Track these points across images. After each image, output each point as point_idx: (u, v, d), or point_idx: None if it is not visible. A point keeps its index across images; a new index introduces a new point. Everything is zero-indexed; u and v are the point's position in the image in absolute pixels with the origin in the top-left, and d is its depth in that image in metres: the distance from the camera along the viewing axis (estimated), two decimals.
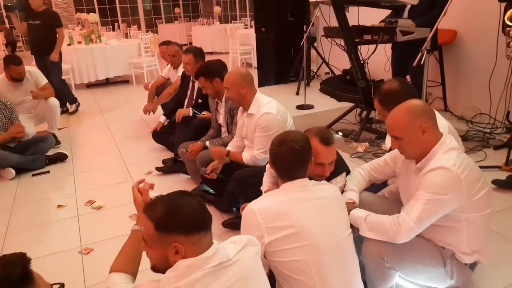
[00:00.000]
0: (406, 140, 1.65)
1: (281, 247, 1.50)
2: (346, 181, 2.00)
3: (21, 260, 1.11)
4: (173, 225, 1.16)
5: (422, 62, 2.99)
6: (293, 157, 1.59)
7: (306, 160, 1.63)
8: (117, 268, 1.37)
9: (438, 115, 1.95)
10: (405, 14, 3.88)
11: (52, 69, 5.23)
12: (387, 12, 4.12)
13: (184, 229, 1.17)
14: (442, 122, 2.00)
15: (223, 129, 3.06)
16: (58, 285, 1.21)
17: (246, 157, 2.55)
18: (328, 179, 1.91)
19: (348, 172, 2.06)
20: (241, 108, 2.68)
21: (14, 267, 1.08)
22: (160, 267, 1.23)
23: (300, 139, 1.62)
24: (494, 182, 2.82)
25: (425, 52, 2.98)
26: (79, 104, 5.83)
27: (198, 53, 3.59)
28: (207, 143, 2.92)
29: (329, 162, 1.82)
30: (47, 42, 5.20)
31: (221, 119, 3.04)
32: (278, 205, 1.55)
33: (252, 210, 1.55)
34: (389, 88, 2.10)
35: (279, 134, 1.71)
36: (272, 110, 2.46)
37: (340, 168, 2.00)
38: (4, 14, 11.89)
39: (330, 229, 1.56)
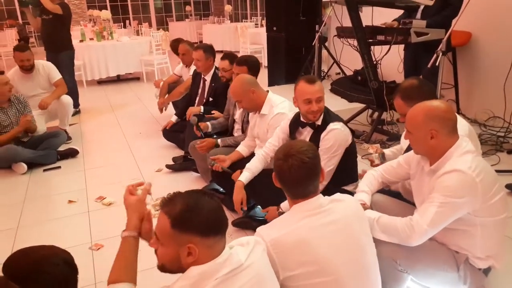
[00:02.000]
0: (414, 137, 1.68)
1: (299, 283, 1.36)
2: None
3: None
4: (191, 224, 1.13)
5: (437, 64, 2.96)
6: (303, 170, 1.41)
7: (318, 172, 1.45)
8: (115, 278, 1.31)
9: (458, 117, 1.94)
10: (418, 14, 3.84)
11: (64, 67, 5.19)
12: (401, 12, 4.07)
13: (201, 229, 1.13)
14: (462, 124, 2.00)
15: (237, 126, 3.05)
16: None
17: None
18: (321, 128, 2.15)
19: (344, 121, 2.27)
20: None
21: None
22: (169, 267, 1.19)
23: (308, 150, 1.43)
24: (508, 186, 2.77)
25: (440, 53, 2.94)
26: (79, 110, 5.62)
27: (208, 49, 3.60)
28: (219, 140, 2.91)
29: (315, 98, 2.09)
30: (59, 37, 5.16)
31: (238, 114, 3.02)
32: (293, 236, 1.37)
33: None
34: (410, 85, 2.10)
35: (281, 146, 1.55)
36: (285, 110, 2.45)
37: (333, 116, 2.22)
38: (18, 10, 12.02)
39: (353, 256, 1.42)
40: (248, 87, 2.50)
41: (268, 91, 2.62)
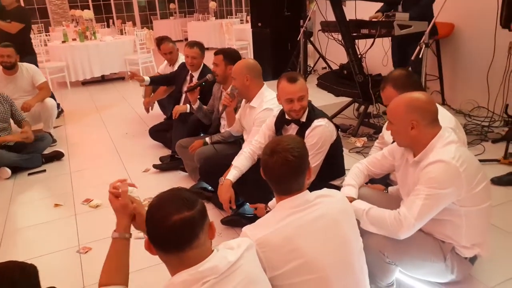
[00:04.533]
0: (396, 127, 1.70)
1: (286, 281, 1.34)
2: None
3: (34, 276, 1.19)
4: (152, 240, 1.14)
5: (420, 56, 2.98)
6: (287, 168, 1.39)
7: (302, 170, 1.42)
8: (106, 280, 1.29)
9: (443, 110, 1.96)
10: (400, 7, 3.87)
11: None
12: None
13: (159, 248, 1.13)
14: (448, 116, 2.03)
15: (223, 122, 3.03)
16: None
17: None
18: (306, 125, 2.13)
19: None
20: (244, 99, 2.67)
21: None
22: None
23: (294, 148, 1.40)
24: (494, 181, 2.75)
25: (423, 46, 2.96)
26: (62, 110, 5.47)
27: (203, 47, 3.60)
28: (206, 139, 2.90)
29: (296, 97, 2.08)
30: (19, 42, 4.74)
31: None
32: (279, 234, 1.35)
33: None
34: (399, 73, 2.14)
35: (271, 140, 1.53)
36: (273, 106, 2.44)
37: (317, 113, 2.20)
38: None
39: (339, 252, 1.40)
40: (245, 72, 2.51)
41: (262, 85, 2.61)
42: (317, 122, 2.14)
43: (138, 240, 2.11)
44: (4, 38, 4.86)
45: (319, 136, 2.13)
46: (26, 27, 4.99)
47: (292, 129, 2.24)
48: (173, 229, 1.08)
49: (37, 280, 1.22)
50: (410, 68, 3.84)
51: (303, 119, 2.18)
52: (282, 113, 2.29)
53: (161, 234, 1.11)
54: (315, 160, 2.14)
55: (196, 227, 1.11)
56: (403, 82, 2.07)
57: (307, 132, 2.15)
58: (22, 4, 12.46)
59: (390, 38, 4.17)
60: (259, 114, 2.48)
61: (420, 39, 3.25)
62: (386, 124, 2.49)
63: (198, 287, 1.08)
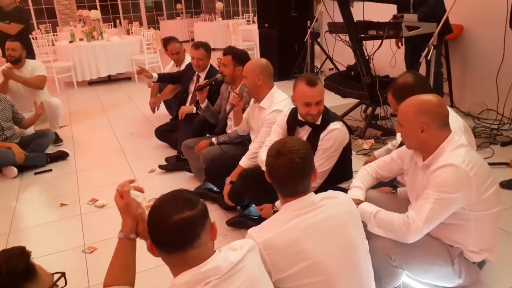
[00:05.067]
0: (405, 130, 1.68)
1: (291, 284, 1.33)
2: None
3: (23, 254, 1.12)
4: (154, 241, 1.14)
5: (428, 58, 2.95)
6: (292, 170, 1.38)
7: (308, 172, 1.41)
8: (111, 281, 1.29)
9: (453, 114, 1.92)
10: (411, 9, 3.85)
11: None
12: (393, 6, 4.07)
13: (161, 249, 1.13)
14: (456, 121, 1.98)
15: (230, 122, 3.02)
16: (59, 274, 1.21)
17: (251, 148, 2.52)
18: (320, 128, 2.12)
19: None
20: (253, 99, 2.65)
21: (17, 261, 1.09)
22: None
23: (299, 149, 1.39)
24: (503, 185, 2.70)
25: (432, 47, 2.94)
26: None
27: (209, 48, 3.59)
28: (213, 139, 2.89)
29: (315, 102, 2.06)
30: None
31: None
32: (284, 236, 1.34)
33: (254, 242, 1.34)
34: (403, 83, 2.07)
35: (275, 142, 1.51)
36: (284, 108, 2.42)
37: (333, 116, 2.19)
38: None
39: (345, 254, 1.39)
40: (257, 71, 2.49)
41: (273, 85, 2.58)
42: (333, 126, 2.12)
43: (142, 241, 2.10)
44: (3, 39, 4.89)
45: (335, 139, 2.11)
46: (25, 28, 5.00)
47: (305, 131, 2.22)
48: (174, 229, 1.09)
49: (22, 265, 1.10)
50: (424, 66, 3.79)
51: (318, 121, 2.16)
52: (293, 113, 2.26)
53: (162, 234, 1.11)
54: (328, 163, 2.12)
55: (197, 226, 1.12)
56: (401, 93, 1.98)
57: (322, 135, 2.13)
58: (30, 5, 12.62)
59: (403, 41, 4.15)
60: (268, 116, 2.46)
61: (430, 40, 3.22)
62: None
63: (201, 287, 1.08)
